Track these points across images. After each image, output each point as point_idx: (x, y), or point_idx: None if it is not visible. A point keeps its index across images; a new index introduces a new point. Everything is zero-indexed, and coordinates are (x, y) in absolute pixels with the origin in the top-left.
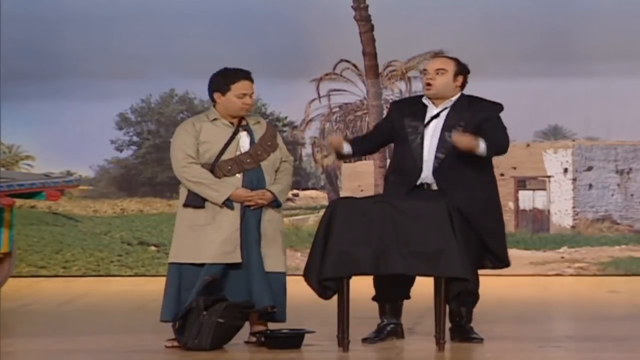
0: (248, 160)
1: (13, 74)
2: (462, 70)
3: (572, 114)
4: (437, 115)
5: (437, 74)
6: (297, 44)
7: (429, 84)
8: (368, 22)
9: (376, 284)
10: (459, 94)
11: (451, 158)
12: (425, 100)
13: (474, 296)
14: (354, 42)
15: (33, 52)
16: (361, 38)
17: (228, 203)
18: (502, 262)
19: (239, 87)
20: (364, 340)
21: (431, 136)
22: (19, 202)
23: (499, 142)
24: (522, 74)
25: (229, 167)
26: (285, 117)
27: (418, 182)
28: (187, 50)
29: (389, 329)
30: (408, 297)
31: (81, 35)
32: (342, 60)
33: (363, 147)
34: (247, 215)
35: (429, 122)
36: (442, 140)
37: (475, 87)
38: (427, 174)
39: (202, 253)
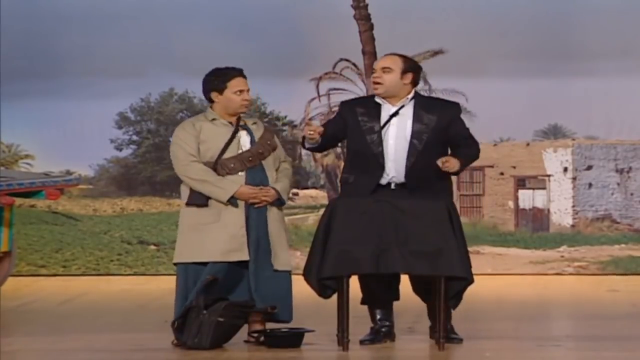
0: (250, 158)
1: (12, 72)
2: (411, 68)
3: (572, 113)
4: (396, 113)
5: (384, 72)
6: (296, 43)
7: (376, 83)
8: (368, 21)
9: (363, 288)
10: (412, 93)
11: (421, 161)
12: (378, 100)
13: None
14: (354, 41)
15: (32, 50)
16: (361, 37)
17: (232, 201)
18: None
19: (235, 84)
20: (361, 342)
21: (395, 136)
22: (18, 201)
23: (473, 154)
24: (522, 73)
25: (232, 165)
26: (285, 116)
27: (385, 182)
28: (187, 49)
29: (384, 330)
30: (397, 298)
31: (80, 34)
32: (341, 59)
33: (329, 143)
34: (252, 214)
35: (388, 120)
36: (412, 145)
37: (475, 86)
38: (395, 174)
39: (207, 251)
